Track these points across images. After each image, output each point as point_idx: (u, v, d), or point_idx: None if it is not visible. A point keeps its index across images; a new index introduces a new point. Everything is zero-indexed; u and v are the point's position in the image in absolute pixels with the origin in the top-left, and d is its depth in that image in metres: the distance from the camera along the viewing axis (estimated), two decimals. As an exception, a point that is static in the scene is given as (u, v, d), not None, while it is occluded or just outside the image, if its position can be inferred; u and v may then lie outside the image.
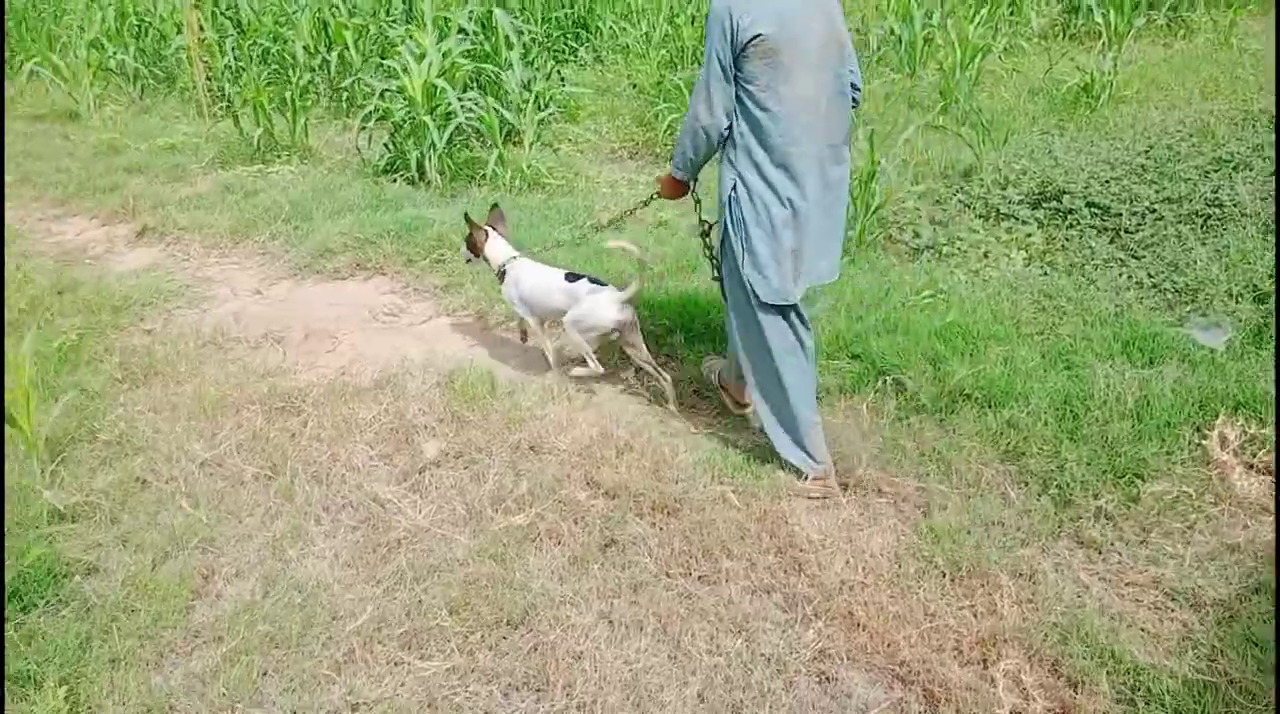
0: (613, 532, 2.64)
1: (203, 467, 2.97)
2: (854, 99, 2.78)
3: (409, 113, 5.67)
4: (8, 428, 2.82)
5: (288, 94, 6.45)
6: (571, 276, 3.31)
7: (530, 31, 7.61)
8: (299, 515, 2.76)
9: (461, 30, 6.68)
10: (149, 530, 2.68)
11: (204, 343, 3.73)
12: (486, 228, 3.52)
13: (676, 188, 2.95)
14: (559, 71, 7.41)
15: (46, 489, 2.74)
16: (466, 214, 3.55)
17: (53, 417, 2.97)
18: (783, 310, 2.75)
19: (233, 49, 8.13)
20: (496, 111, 5.75)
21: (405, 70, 5.65)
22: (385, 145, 5.89)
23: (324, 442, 3.09)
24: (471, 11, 6.87)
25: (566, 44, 9.16)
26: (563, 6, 9.33)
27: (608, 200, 5.21)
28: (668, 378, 3.25)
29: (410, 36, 6.09)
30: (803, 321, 2.80)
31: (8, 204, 5.53)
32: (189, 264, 4.62)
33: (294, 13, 8.29)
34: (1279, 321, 3.22)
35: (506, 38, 6.61)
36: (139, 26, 8.92)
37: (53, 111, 7.70)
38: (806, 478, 2.81)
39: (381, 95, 6.13)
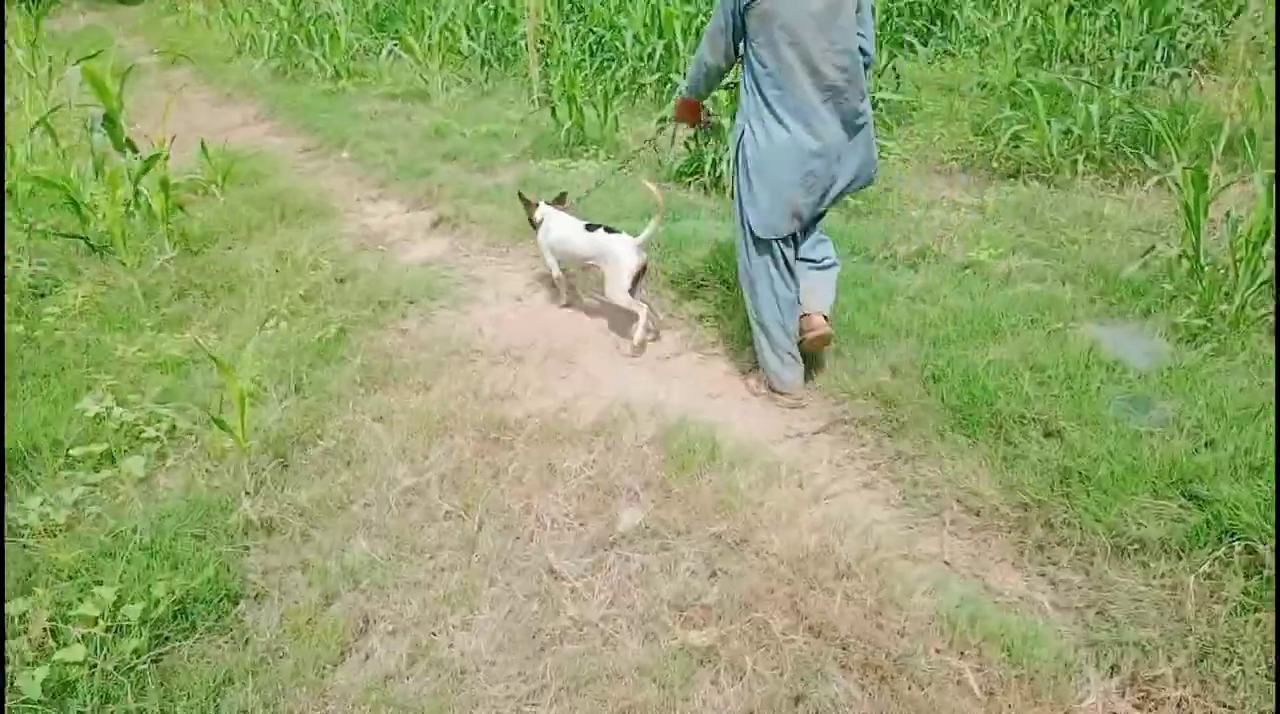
0: (806, 684, 2.09)
1: (403, 494, 2.83)
2: (865, 63, 3.01)
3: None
4: (218, 430, 2.86)
5: (603, 85, 6.37)
6: (590, 226, 3.81)
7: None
8: (475, 571, 2.52)
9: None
10: (330, 559, 2.57)
11: (449, 352, 3.65)
12: (539, 201, 4.06)
13: (688, 110, 3.44)
14: (894, 68, 6.66)
15: (247, 496, 2.74)
16: (520, 192, 4.19)
17: (271, 419, 2.99)
18: (774, 244, 3.12)
19: (570, 36, 8.30)
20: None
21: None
22: (685, 145, 5.59)
23: (524, 486, 2.83)
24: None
25: (917, 34, 8.32)
26: (917, -7, 8.50)
27: (916, 226, 4.49)
28: (654, 317, 3.74)
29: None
30: (808, 237, 3.20)
31: (333, 182, 6.00)
32: (467, 261, 4.63)
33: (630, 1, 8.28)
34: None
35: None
36: (493, 9, 9.44)
37: (407, 92, 8.34)
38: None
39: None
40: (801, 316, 3.18)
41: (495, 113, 7.53)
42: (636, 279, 3.62)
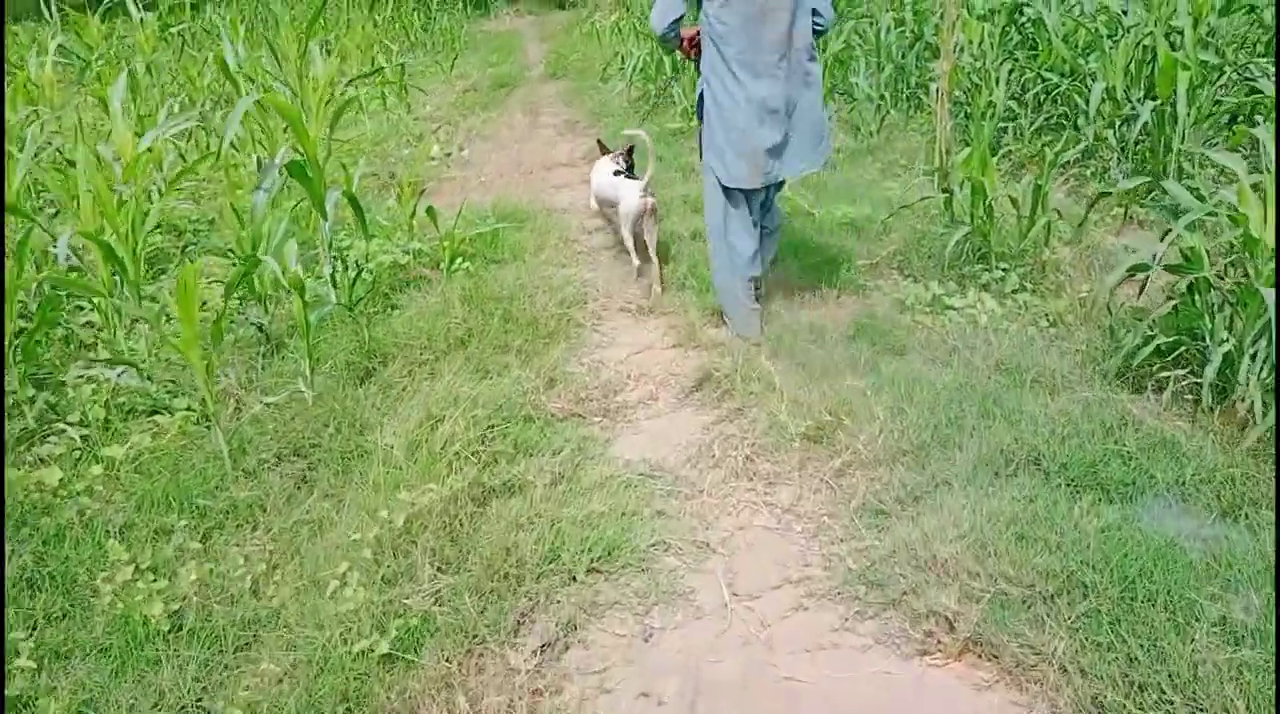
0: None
1: None
2: (819, 26, 3.24)
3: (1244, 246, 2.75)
4: None
5: (1037, 164, 3.97)
6: (616, 172, 4.25)
7: None
8: None
9: None
10: None
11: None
12: (610, 153, 4.50)
13: (683, 50, 3.43)
14: None
15: None
16: (599, 140, 4.85)
17: None
18: (739, 194, 3.35)
19: (1007, 81, 5.86)
20: None
21: None
22: (1166, 316, 3.04)
23: None
24: None
25: None
26: None
27: None
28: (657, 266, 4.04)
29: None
30: (766, 209, 3.51)
31: (607, 268, 4.30)
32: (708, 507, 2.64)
33: (1109, 35, 5.61)
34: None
35: None
36: (910, 37, 7.23)
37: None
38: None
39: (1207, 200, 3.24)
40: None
41: (869, 184, 5.39)
42: (643, 218, 3.99)
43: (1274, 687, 1.77)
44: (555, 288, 4.01)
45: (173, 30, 10.17)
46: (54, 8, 12.50)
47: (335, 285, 3.79)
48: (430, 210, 4.19)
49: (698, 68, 3.39)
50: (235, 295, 3.92)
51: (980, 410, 2.78)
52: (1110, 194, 4.69)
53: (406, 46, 12.75)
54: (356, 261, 4.26)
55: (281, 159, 3.38)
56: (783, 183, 3.51)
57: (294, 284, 2.97)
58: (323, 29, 11.48)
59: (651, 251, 4.07)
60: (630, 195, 4.02)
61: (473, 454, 2.68)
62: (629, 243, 4.11)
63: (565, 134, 7.65)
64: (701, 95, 3.33)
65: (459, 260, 4.29)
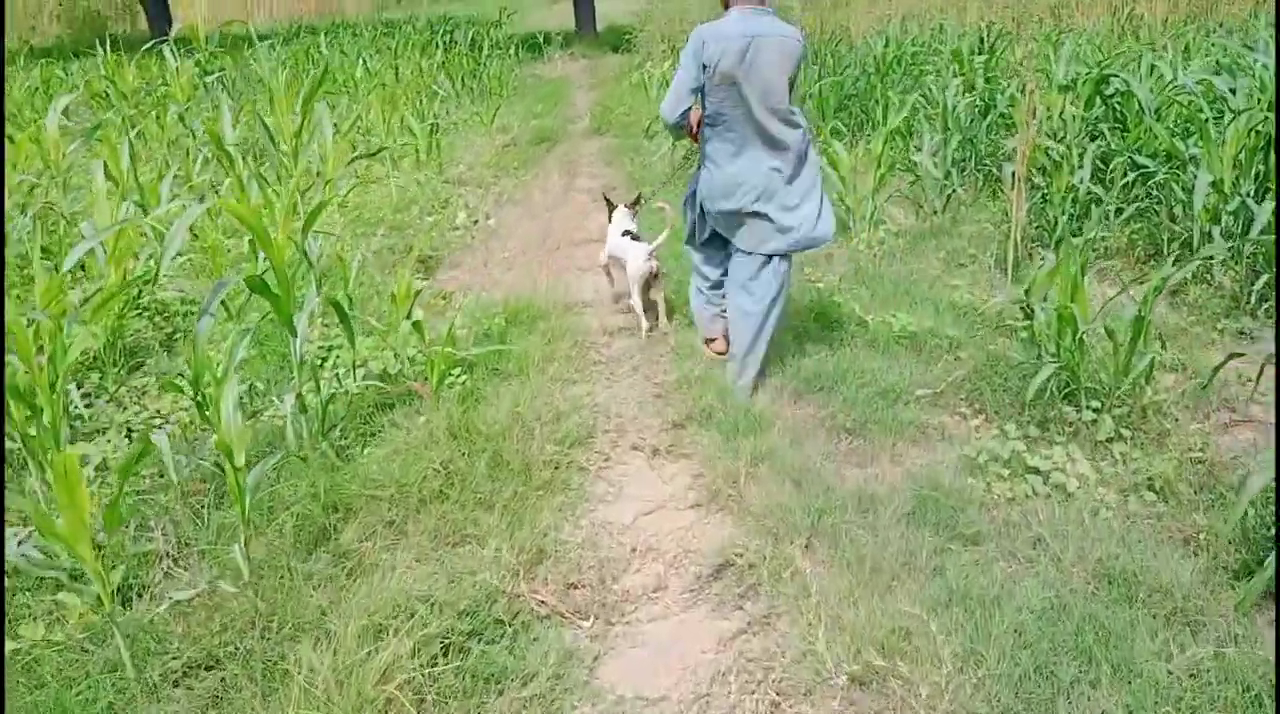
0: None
1: None
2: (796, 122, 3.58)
3: None
4: None
5: (1127, 266, 3.31)
6: (625, 233, 4.44)
7: None
8: None
9: None
10: None
11: None
12: (616, 204, 4.72)
13: (690, 136, 3.77)
14: None
15: None
16: (605, 195, 4.95)
17: None
18: (711, 249, 3.95)
19: (1091, 164, 5.18)
20: None
21: None
22: None
23: None
24: None
25: None
26: None
27: None
28: (670, 324, 4.37)
29: None
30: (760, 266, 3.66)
31: (632, 386, 3.71)
32: None
33: (1213, 117, 4.90)
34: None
35: None
36: (982, 106, 6.59)
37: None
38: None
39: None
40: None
41: (933, 283, 4.74)
42: (649, 282, 4.28)
43: None
44: (559, 416, 3.43)
45: (209, 77, 9.96)
46: (108, 46, 12.51)
47: (304, 409, 3.27)
48: (418, 325, 3.65)
49: (703, 150, 3.78)
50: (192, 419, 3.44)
51: (1079, 652, 2.12)
52: (1225, 314, 4.00)
53: (452, 92, 12.45)
54: (338, 374, 3.75)
55: (231, 281, 2.87)
56: (776, 257, 3.68)
57: (222, 447, 2.44)
58: (350, 84, 11.26)
59: (661, 314, 4.37)
60: (636, 258, 4.22)
61: (416, 692, 2.10)
62: (636, 306, 4.29)
63: (600, 202, 7.13)
64: (698, 169, 3.82)
65: (456, 372, 3.76)
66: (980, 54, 7.96)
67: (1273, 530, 2.42)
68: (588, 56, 17.93)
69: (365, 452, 3.26)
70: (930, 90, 8.43)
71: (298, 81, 8.88)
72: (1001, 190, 5.98)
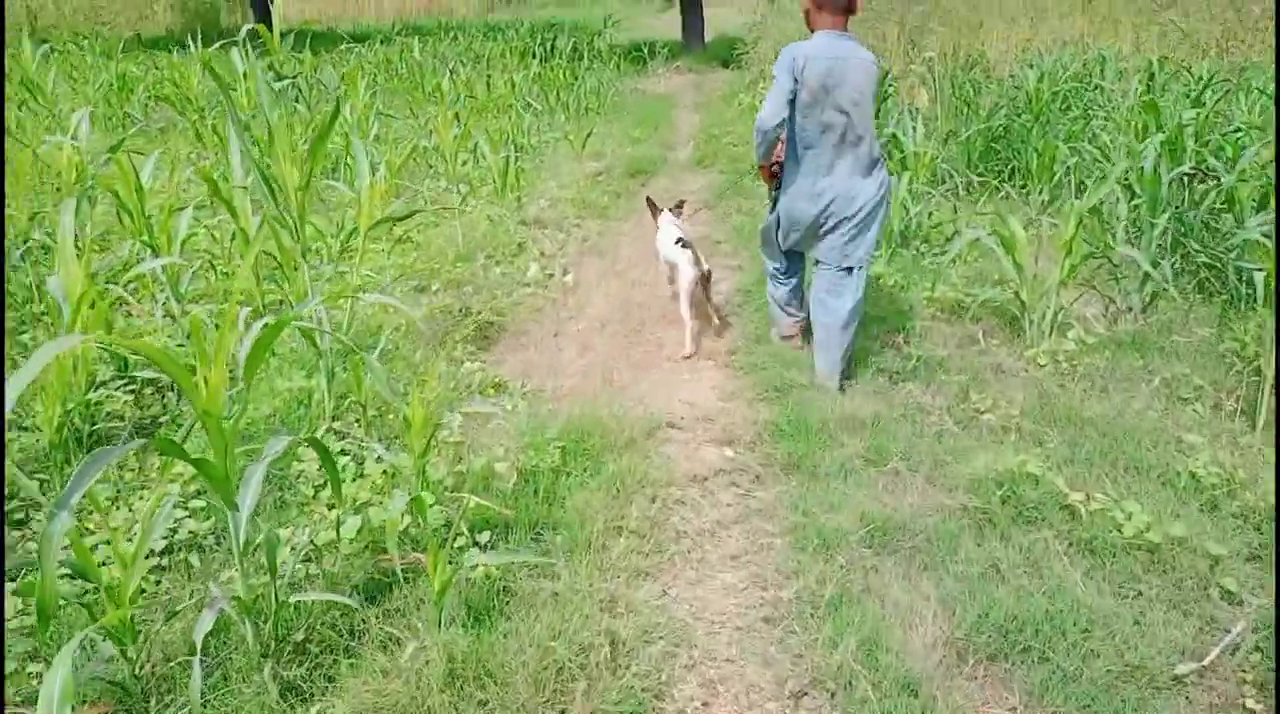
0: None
1: None
2: (872, 135, 3.78)
3: None
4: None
5: None
6: (678, 240, 4.54)
7: None
8: None
9: None
10: None
11: None
12: (659, 207, 4.95)
13: (764, 172, 4.11)
14: None
15: None
16: (649, 198, 5.14)
17: None
18: (790, 252, 4.14)
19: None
20: None
21: None
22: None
23: None
24: None
25: None
26: None
27: None
28: (720, 322, 4.64)
29: None
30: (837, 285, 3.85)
31: (735, 539, 2.53)
32: None
33: None
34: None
35: None
36: (1202, 174, 5.18)
37: (991, 313, 4.60)
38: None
39: None
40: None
41: (1157, 439, 3.41)
42: (702, 286, 4.48)
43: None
44: (616, 659, 2.27)
45: (282, 83, 9.17)
46: (199, 40, 11.93)
47: (247, 611, 2.20)
48: (418, 503, 2.52)
49: (774, 195, 4.09)
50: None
51: None
52: None
53: (545, 108, 11.47)
54: (309, 551, 2.66)
55: (117, 451, 1.80)
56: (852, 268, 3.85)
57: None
58: (436, 94, 10.36)
59: (713, 315, 4.61)
60: (685, 266, 4.40)
61: None
62: (685, 317, 4.40)
63: (714, 250, 5.96)
64: (778, 173, 4.03)
65: (473, 546, 2.65)
66: (1192, 104, 6.49)
67: None
68: (695, 71, 16.78)
69: (319, 698, 2.16)
70: (1104, 142, 7.04)
71: (353, 90, 8.01)
72: (1224, 289, 4.59)
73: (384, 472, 2.95)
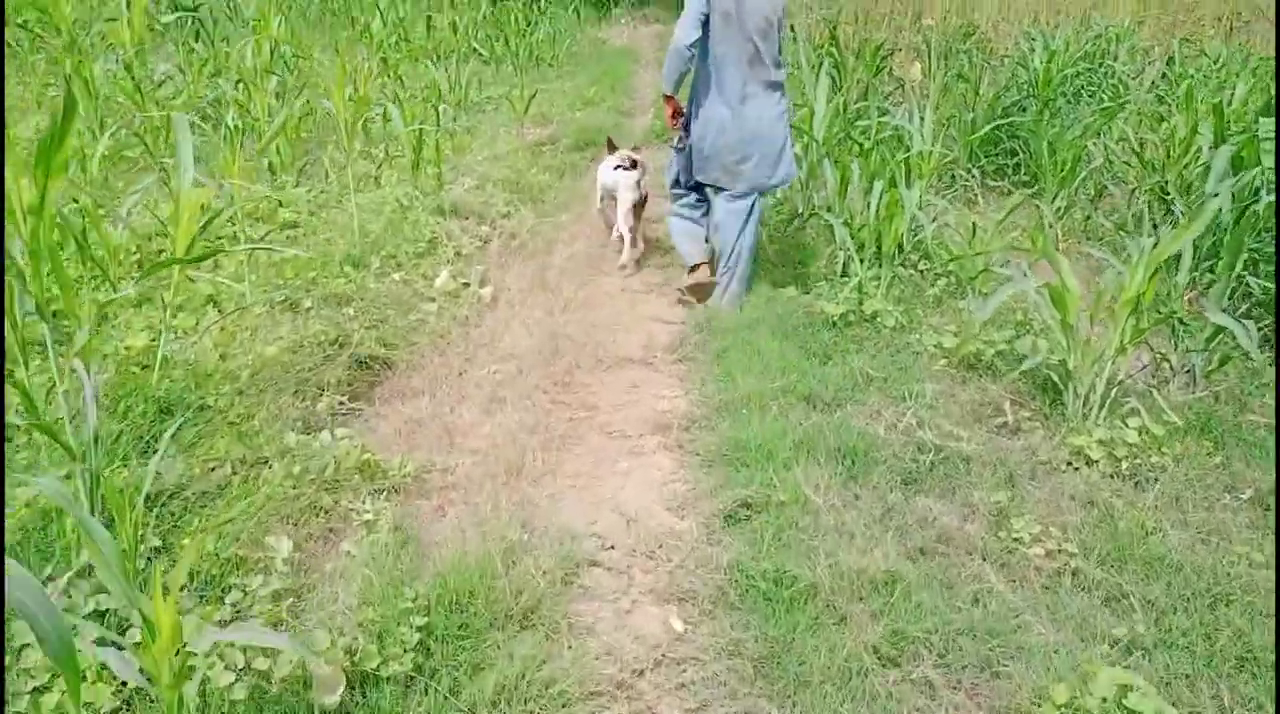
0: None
1: None
2: (779, 62, 4.08)
3: None
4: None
5: None
6: (617, 166, 4.77)
7: None
8: None
9: None
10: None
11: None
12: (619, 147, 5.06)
13: (670, 106, 4.33)
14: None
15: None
16: (609, 138, 5.20)
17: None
18: (701, 185, 4.31)
19: None
20: None
21: None
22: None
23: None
24: None
25: None
26: None
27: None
28: (639, 248, 4.86)
29: None
30: (735, 208, 4.16)
31: None
32: None
33: None
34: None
35: None
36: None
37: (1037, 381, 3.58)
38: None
39: None
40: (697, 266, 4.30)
41: (1267, 598, 2.44)
42: (638, 209, 4.79)
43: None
44: None
45: (174, 15, 7.76)
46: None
47: None
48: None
49: (679, 139, 4.36)
50: None
51: None
52: None
53: (492, 57, 10.14)
54: None
55: None
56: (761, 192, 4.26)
57: None
58: (365, 38, 8.99)
59: (638, 235, 4.87)
60: (624, 187, 4.72)
61: None
62: (623, 227, 4.76)
63: (662, 275, 4.85)
64: (690, 103, 4.23)
65: None
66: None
67: None
68: (662, 21, 15.44)
69: None
70: (1127, 136, 6.05)
71: (264, 27, 6.74)
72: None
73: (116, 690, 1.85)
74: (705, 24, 3.90)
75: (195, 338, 3.52)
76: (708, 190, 4.32)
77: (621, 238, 4.76)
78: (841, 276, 4.46)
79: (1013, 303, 4.17)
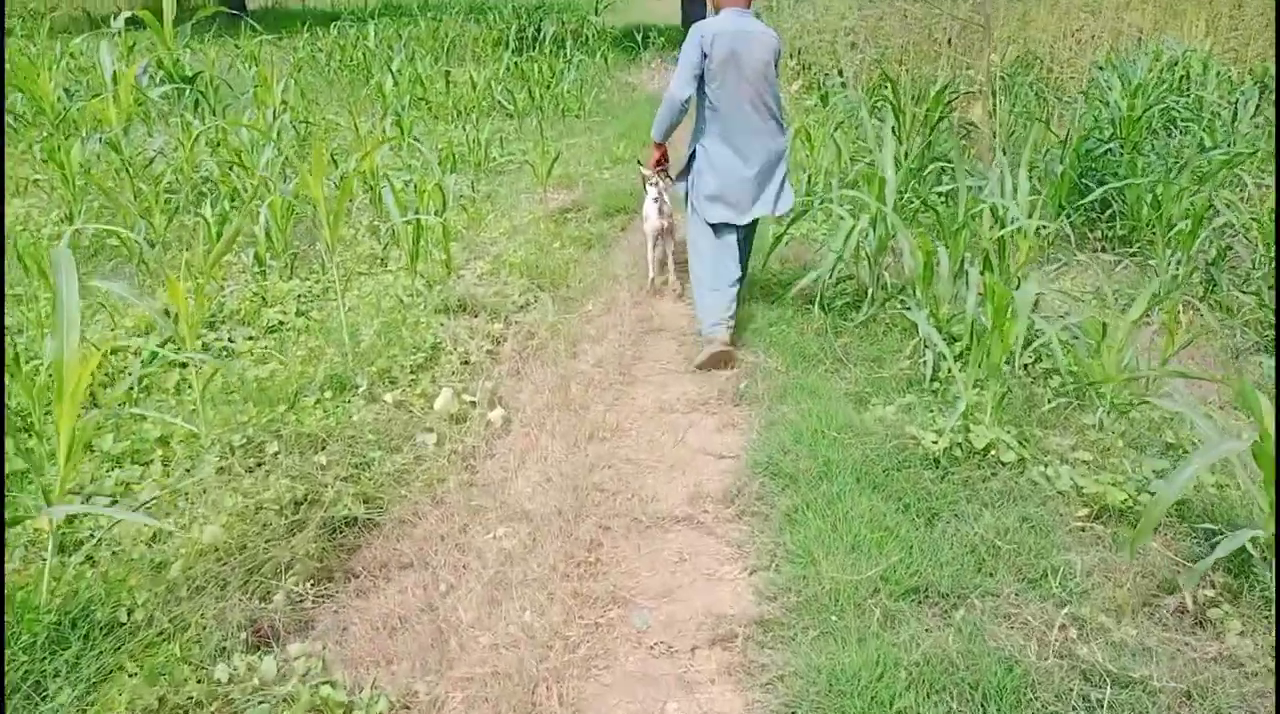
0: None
1: None
2: (777, 99, 4.17)
3: None
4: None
5: None
6: (655, 198, 4.81)
7: None
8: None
9: None
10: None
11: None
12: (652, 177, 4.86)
13: (656, 152, 4.58)
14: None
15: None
16: (639, 160, 5.34)
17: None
18: (713, 227, 4.24)
19: None
20: None
21: None
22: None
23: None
24: None
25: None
26: None
27: None
28: (675, 280, 5.01)
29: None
30: (739, 239, 4.27)
31: None
32: None
33: None
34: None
35: None
36: None
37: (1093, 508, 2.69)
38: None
39: None
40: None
41: None
42: (662, 236, 4.87)
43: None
44: None
45: (167, 88, 7.20)
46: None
47: None
48: None
49: (657, 181, 4.71)
50: None
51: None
52: None
53: (516, 111, 9.50)
54: None
55: None
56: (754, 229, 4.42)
57: None
58: (379, 98, 8.41)
59: (669, 264, 5.02)
60: (650, 215, 4.81)
61: None
62: (650, 254, 4.99)
63: (699, 388, 4.02)
64: (692, 154, 4.30)
65: None
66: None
67: None
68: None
69: None
70: (1248, 184, 5.17)
71: (265, 93, 6.13)
72: None
73: None
74: (700, 77, 4.04)
75: (129, 504, 2.78)
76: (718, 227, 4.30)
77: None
78: (931, 381, 3.61)
79: (1158, 419, 3.30)
